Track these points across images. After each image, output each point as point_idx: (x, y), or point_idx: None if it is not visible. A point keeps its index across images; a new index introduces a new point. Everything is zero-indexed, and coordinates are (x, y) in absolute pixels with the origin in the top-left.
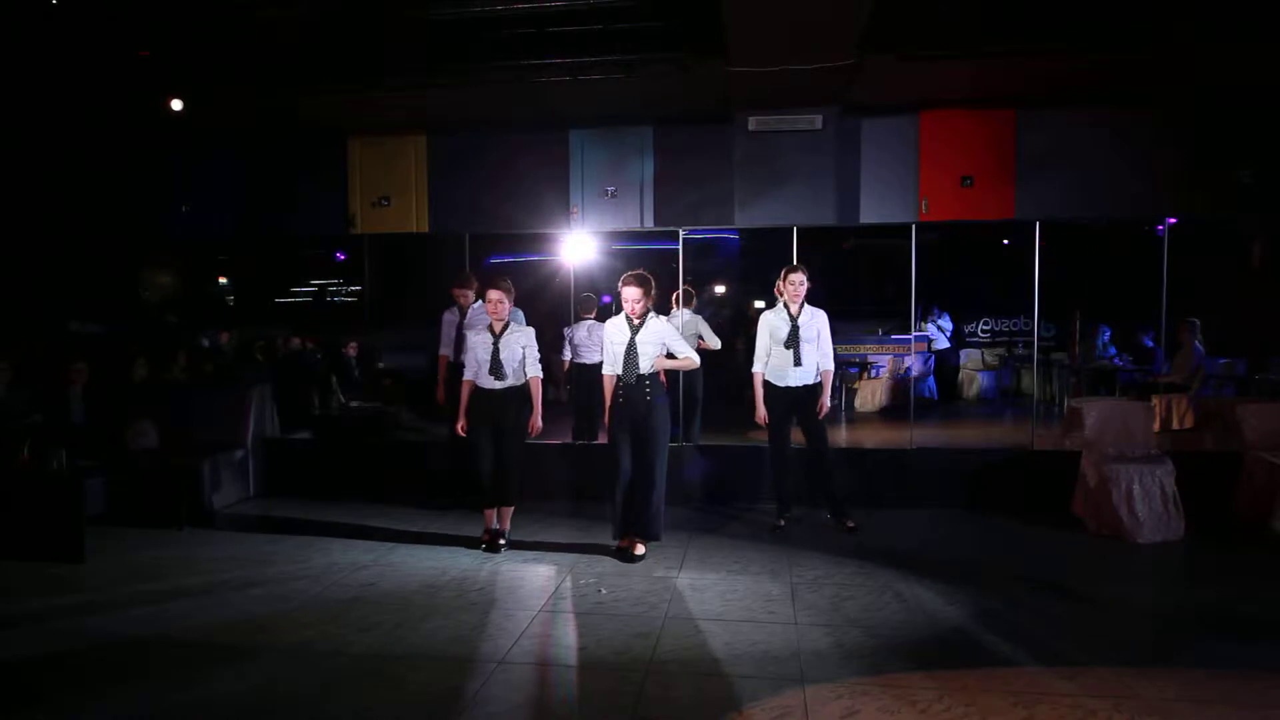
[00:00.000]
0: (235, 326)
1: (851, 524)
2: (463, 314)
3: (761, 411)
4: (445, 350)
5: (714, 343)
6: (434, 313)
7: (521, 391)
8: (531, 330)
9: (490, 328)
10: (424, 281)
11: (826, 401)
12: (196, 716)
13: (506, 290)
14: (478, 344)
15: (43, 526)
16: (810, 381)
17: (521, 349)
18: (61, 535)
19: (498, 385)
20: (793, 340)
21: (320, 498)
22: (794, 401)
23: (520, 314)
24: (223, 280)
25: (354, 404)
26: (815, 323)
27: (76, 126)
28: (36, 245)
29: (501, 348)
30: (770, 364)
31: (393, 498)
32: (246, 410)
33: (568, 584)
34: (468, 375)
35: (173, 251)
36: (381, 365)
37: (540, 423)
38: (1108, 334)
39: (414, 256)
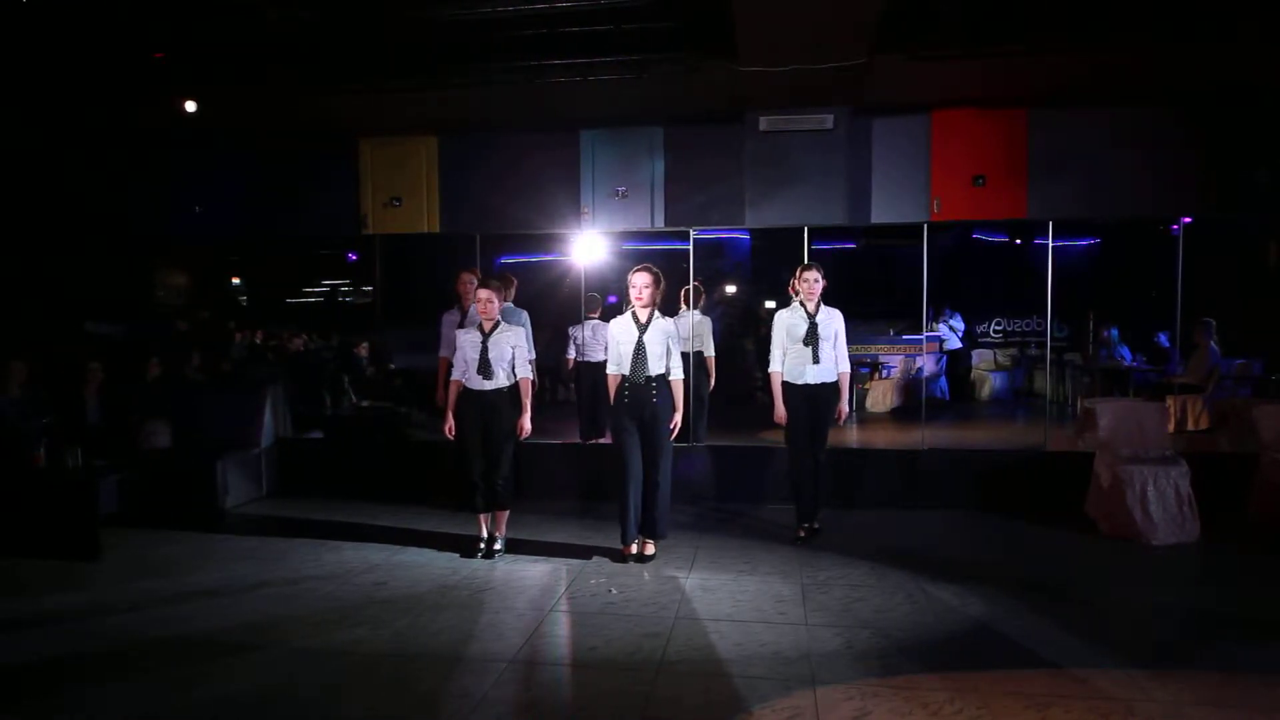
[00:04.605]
0: (247, 327)
1: (803, 533)
2: (463, 313)
3: (781, 411)
4: (445, 352)
5: (709, 350)
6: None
7: (511, 393)
8: (522, 330)
9: (480, 326)
10: (435, 282)
11: (844, 407)
12: (206, 714)
13: (496, 289)
14: (466, 343)
15: (58, 525)
16: (828, 380)
17: (511, 349)
18: (76, 533)
19: (487, 386)
20: (811, 338)
21: (332, 497)
22: (811, 399)
23: (524, 314)
24: (235, 281)
25: (365, 404)
26: (832, 323)
27: (92, 129)
28: (52, 247)
29: (490, 347)
30: (788, 363)
31: (404, 497)
32: (260, 410)
33: (578, 584)
34: (456, 375)
35: (186, 253)
36: (393, 365)
37: (529, 425)
38: (1115, 334)
39: (425, 257)
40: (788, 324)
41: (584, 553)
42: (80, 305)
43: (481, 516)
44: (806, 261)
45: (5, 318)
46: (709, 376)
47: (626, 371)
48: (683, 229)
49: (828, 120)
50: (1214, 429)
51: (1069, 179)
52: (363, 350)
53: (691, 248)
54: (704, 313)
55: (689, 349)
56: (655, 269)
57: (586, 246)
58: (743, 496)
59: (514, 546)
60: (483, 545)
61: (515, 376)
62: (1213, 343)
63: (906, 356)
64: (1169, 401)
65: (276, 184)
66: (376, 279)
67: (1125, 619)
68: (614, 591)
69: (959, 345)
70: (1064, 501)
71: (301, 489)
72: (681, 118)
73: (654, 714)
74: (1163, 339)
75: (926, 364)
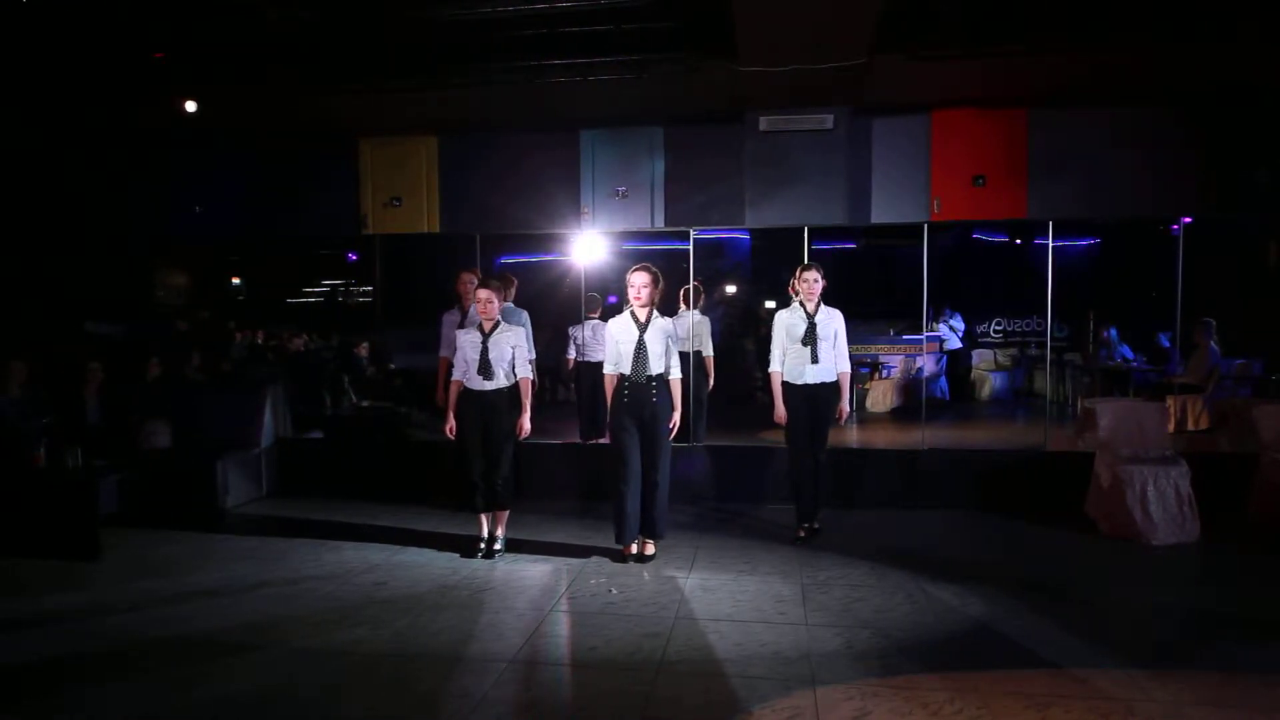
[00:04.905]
0: (247, 327)
1: (803, 533)
2: (463, 313)
3: (781, 411)
4: (445, 352)
5: (708, 350)
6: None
7: (511, 393)
8: (522, 330)
9: (480, 326)
10: (435, 282)
11: (845, 407)
12: (206, 714)
13: (496, 289)
14: (466, 343)
15: (58, 525)
16: (828, 380)
17: (511, 349)
18: (76, 533)
19: (487, 386)
20: (810, 337)
21: (332, 497)
22: (811, 399)
23: (524, 314)
24: (235, 281)
25: (365, 404)
26: (832, 323)
27: (92, 129)
28: (52, 247)
29: (490, 347)
30: (787, 363)
31: (404, 498)
32: (260, 410)
33: (578, 584)
34: (456, 375)
35: (186, 253)
36: (393, 365)
37: (529, 425)
38: (1115, 334)
39: (425, 257)
40: (787, 324)
41: (584, 553)
42: (80, 305)
43: (482, 516)
44: (806, 261)
45: (5, 318)
46: (708, 377)
47: (626, 371)
48: (683, 229)
49: (828, 120)
50: (1214, 429)
51: (1069, 179)
52: (363, 350)
53: (691, 248)
54: (704, 313)
55: (688, 349)
56: (654, 268)
57: (586, 246)
58: (743, 496)
59: (514, 546)
60: (483, 545)
61: (515, 376)
62: (1213, 343)
63: (906, 356)
64: (1169, 401)
65: (276, 184)
66: (376, 279)
67: (1125, 619)
68: (614, 591)
69: (959, 345)
70: (1064, 501)
71: (301, 489)
72: (681, 118)
73: (654, 714)
74: (1163, 339)
75: (926, 364)
